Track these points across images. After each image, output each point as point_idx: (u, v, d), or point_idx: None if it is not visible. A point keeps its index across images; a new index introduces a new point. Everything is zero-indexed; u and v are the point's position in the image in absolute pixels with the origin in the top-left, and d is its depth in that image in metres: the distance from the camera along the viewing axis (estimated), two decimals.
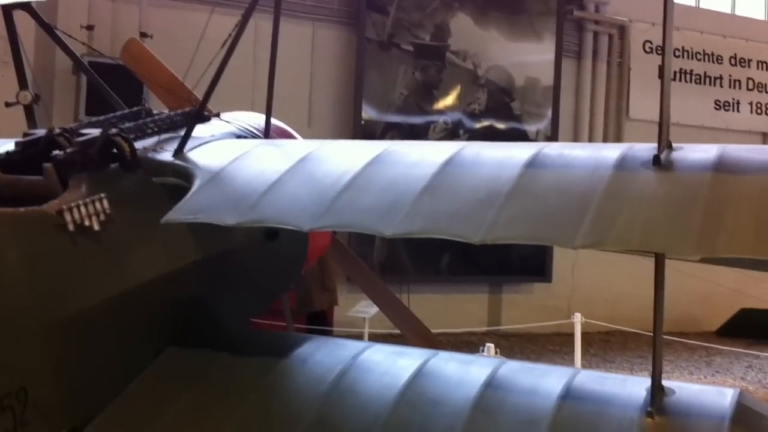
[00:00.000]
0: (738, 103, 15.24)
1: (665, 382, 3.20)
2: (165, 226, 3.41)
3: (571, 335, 7.83)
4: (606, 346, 10.80)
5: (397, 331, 5.67)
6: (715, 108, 15.01)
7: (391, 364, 3.52)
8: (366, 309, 8.69)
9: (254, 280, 4.31)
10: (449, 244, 13.23)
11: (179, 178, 3.71)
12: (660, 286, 3.06)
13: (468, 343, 9.54)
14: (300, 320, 8.69)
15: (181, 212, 3.37)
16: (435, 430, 3.12)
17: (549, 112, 13.33)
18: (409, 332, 5.43)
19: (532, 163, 3.26)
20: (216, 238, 3.83)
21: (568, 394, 3.19)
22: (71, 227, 3.26)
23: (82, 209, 3.32)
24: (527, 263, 12.45)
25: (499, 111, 13.17)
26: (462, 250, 11.98)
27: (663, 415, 3.05)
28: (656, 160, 3.09)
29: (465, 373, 3.43)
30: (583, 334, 8.15)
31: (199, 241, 3.75)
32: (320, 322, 9.16)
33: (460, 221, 3.07)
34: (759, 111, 15.38)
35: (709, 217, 2.84)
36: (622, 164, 3.16)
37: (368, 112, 12.23)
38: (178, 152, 3.88)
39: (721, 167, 3.06)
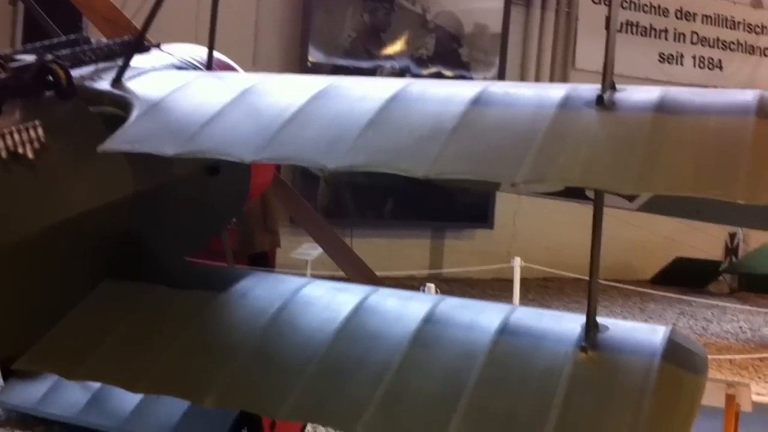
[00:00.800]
0: (682, 56, 15.43)
1: (599, 319, 3.26)
2: (101, 157, 3.33)
3: (511, 281, 7.95)
4: (544, 291, 11.00)
5: (341, 274, 5.68)
6: (659, 61, 15.17)
7: (331, 299, 3.52)
8: (309, 251, 8.68)
9: (194, 215, 4.25)
10: (393, 189, 13.25)
11: (117, 108, 3.61)
12: (598, 224, 3.10)
13: (410, 287, 9.60)
14: (242, 262, 8.63)
15: (118, 141, 3.29)
16: (373, 364, 3.14)
17: (496, 60, 13.32)
18: (353, 274, 5.44)
19: (477, 101, 3.25)
20: (154, 170, 3.76)
21: (505, 329, 3.23)
22: (4, 154, 3.17)
23: (16, 136, 3.23)
24: (470, 210, 12.54)
25: (447, 57, 13.10)
26: (405, 196, 12.00)
27: (596, 350, 3.12)
28: (599, 100, 3.11)
29: (404, 308, 3.45)
30: (522, 280, 8.27)
31: (136, 173, 3.67)
32: (262, 264, 9.12)
33: (404, 156, 3.06)
34: (702, 65, 15.60)
35: (649, 155, 2.87)
36: (566, 103, 3.17)
37: (315, 54, 12.06)
38: (116, 81, 3.77)
39: (662, 108, 3.09)
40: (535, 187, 5.98)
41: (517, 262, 7.62)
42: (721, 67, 15.75)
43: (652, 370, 3.01)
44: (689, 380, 3.04)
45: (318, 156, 3.11)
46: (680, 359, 3.11)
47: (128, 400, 4.28)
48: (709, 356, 4.88)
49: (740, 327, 9.66)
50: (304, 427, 4.65)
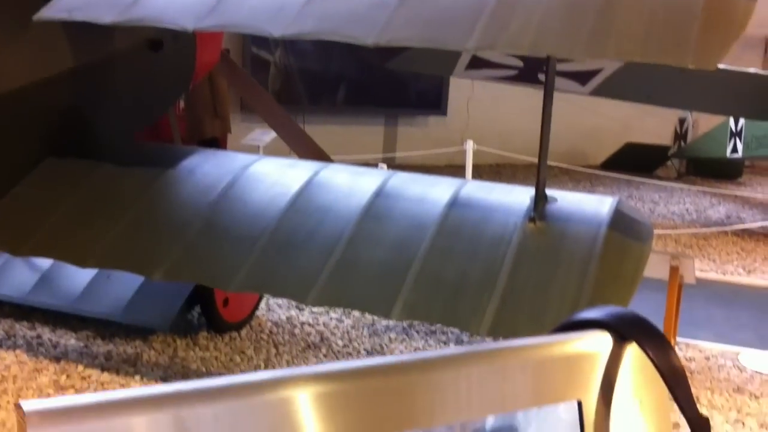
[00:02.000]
0: None
1: (549, 191, 3.29)
2: (38, 28, 3.20)
3: (464, 167, 7.95)
4: (496, 177, 11.06)
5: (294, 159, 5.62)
6: None
7: (282, 175, 3.50)
8: (260, 137, 8.56)
9: (138, 93, 4.13)
10: (345, 75, 13.00)
11: None
12: (549, 93, 3.09)
13: None
14: None
15: (54, 10, 3.15)
16: (325, 236, 3.14)
17: None
18: (306, 156, 5.39)
19: None
20: (95, 44, 3.63)
21: (456, 202, 3.25)
22: None
23: None
24: (423, 96, 12.44)
25: None
26: (358, 83, 11.84)
27: (545, 221, 3.15)
28: None
29: (356, 183, 3.44)
30: (475, 167, 8.27)
31: (76, 47, 3.53)
32: None
33: (353, 23, 2.99)
34: None
35: (600, 22, 2.84)
36: None
37: None
38: None
39: None
40: (487, 54, 5.90)
41: (470, 145, 7.61)
42: None
43: (598, 238, 3.06)
44: (634, 248, 3.10)
45: (263, 23, 3.02)
46: (626, 228, 3.17)
47: (78, 279, 4.24)
48: (655, 232, 4.99)
49: (686, 209, 9.86)
50: (257, 306, 4.68)
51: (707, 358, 4.89)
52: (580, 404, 0.83)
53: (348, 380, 0.70)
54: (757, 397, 4.37)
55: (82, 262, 3.17)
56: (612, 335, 0.88)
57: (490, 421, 0.79)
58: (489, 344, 0.82)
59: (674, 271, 4.43)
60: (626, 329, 0.89)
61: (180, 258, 3.08)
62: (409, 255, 3.04)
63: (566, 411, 0.83)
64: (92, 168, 3.47)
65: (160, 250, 3.12)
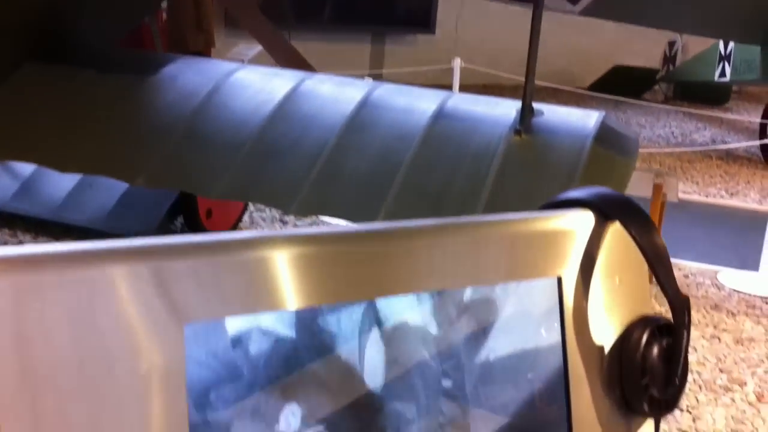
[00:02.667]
0: None
1: (536, 105, 3.26)
2: None
3: (451, 88, 7.89)
4: None
5: None
6: None
7: (266, 83, 3.45)
8: (245, 51, 8.43)
9: None
10: None
11: None
12: (538, 11, 3.02)
13: None
14: None
15: None
16: (309, 145, 3.12)
17: None
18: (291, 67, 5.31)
19: None
20: None
21: (442, 113, 3.22)
22: None
23: None
24: (411, 14, 12.25)
25: None
26: (345, 0, 11.64)
27: (530, 134, 3.14)
28: None
29: (341, 93, 3.40)
30: (462, 87, 8.21)
31: None
32: None
33: None
34: None
35: None
36: None
37: None
38: None
39: None
40: None
41: (457, 63, 7.53)
42: None
43: (584, 151, 3.05)
44: (619, 161, 3.10)
45: None
46: (611, 142, 3.16)
47: (60, 187, 4.21)
48: (640, 153, 4.99)
49: (672, 132, 9.87)
50: (240, 218, 4.68)
51: (686, 276, 4.96)
52: (559, 280, 0.83)
53: (325, 244, 0.70)
54: (733, 315, 4.45)
55: (63, 167, 3.14)
56: (595, 214, 0.88)
57: (468, 293, 0.79)
58: (468, 218, 0.81)
59: (657, 188, 4.45)
60: (610, 208, 0.88)
61: (162, 164, 3.05)
62: (394, 165, 3.02)
63: (545, 287, 0.83)
64: (74, 73, 3.40)
65: (141, 156, 3.08)
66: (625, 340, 0.86)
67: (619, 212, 0.87)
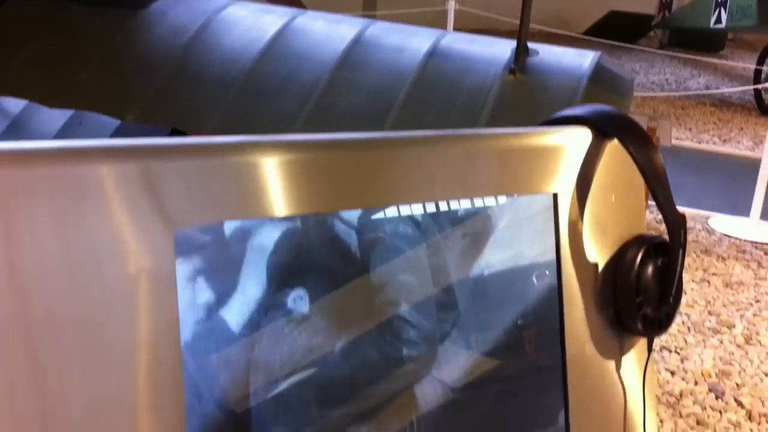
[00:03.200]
0: None
1: (531, 44, 3.23)
2: None
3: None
4: None
5: None
6: None
7: (257, 20, 3.39)
8: None
9: None
10: None
11: None
12: None
13: None
14: None
15: None
16: (301, 82, 3.08)
17: None
18: (283, 4, 5.23)
19: None
20: None
21: (435, 52, 3.18)
22: None
23: None
24: None
25: None
26: None
27: (525, 73, 3.10)
28: None
29: (333, 30, 3.35)
30: (457, 30, 8.12)
31: None
32: None
33: None
34: None
35: None
36: None
37: None
38: None
39: None
40: None
41: (451, 5, 7.44)
42: None
43: (578, 91, 3.02)
44: (614, 101, 3.06)
45: None
46: (606, 82, 3.13)
47: (50, 126, 4.15)
48: (634, 96, 4.96)
49: (666, 79, 9.81)
50: None
51: None
52: (555, 197, 0.82)
53: (314, 150, 0.68)
54: (723, 259, 4.47)
55: (50, 102, 3.10)
56: (593, 131, 0.86)
57: (464, 206, 0.78)
58: (461, 130, 0.80)
59: (651, 132, 4.43)
60: (608, 125, 0.86)
61: (152, 100, 3.01)
62: (386, 104, 2.99)
63: (541, 203, 0.82)
64: (61, 6, 3.34)
65: (131, 92, 3.04)
66: (619, 258, 0.85)
67: (617, 129, 0.86)
